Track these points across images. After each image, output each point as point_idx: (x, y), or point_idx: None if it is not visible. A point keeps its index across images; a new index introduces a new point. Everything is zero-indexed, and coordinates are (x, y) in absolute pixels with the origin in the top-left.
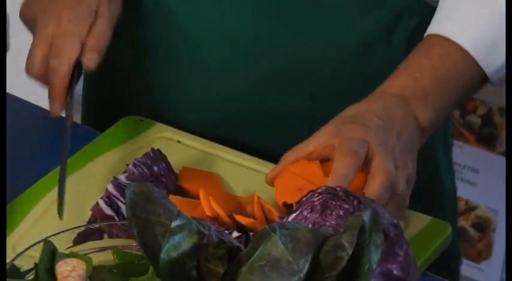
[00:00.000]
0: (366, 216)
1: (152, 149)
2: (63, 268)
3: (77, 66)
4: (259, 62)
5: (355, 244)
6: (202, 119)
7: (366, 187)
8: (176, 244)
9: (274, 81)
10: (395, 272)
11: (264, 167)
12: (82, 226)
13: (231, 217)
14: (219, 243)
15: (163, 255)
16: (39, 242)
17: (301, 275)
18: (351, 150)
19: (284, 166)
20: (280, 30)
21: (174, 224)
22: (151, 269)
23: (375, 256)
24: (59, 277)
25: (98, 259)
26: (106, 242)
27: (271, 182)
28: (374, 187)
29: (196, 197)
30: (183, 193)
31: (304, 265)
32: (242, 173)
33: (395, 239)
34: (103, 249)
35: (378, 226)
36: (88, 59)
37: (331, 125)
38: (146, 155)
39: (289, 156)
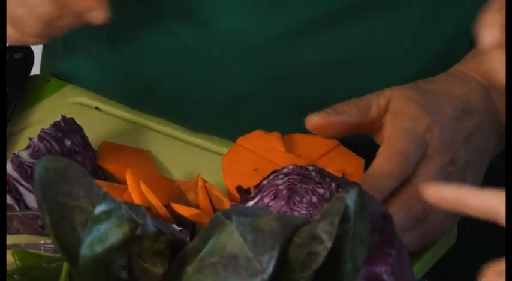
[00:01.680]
0: (350, 199)
1: (63, 117)
2: None
3: None
4: None
5: (335, 236)
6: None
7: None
8: (101, 236)
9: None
10: (384, 276)
11: (211, 142)
12: None
13: (168, 206)
14: (157, 235)
15: (84, 250)
16: None
17: (265, 276)
18: (403, 153)
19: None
20: None
21: (98, 209)
22: (63, 274)
23: (360, 251)
24: None
25: None
26: None
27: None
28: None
29: (122, 182)
30: (103, 175)
31: (269, 263)
32: (182, 151)
33: (385, 235)
34: None
35: (364, 213)
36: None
37: (402, 90)
38: (55, 125)
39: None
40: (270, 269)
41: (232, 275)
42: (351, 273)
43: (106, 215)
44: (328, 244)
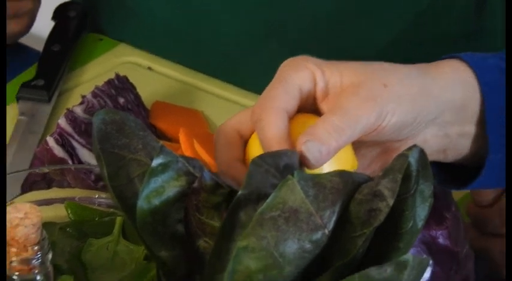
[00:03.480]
0: (413, 157)
1: (117, 75)
2: (12, 214)
3: None
4: None
5: (397, 194)
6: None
7: None
8: (158, 189)
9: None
10: (440, 240)
11: None
12: (21, 170)
13: None
14: (214, 188)
15: (141, 203)
16: None
17: (326, 231)
18: None
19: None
20: None
21: (155, 162)
22: (116, 228)
23: (421, 211)
24: (7, 226)
25: (44, 214)
26: (56, 192)
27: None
28: None
29: (174, 140)
30: (156, 134)
31: (330, 218)
32: (234, 111)
33: (442, 198)
34: (50, 202)
35: (427, 172)
36: None
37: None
38: (109, 82)
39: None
40: (331, 225)
41: (293, 230)
42: (411, 232)
43: (163, 167)
44: (390, 201)
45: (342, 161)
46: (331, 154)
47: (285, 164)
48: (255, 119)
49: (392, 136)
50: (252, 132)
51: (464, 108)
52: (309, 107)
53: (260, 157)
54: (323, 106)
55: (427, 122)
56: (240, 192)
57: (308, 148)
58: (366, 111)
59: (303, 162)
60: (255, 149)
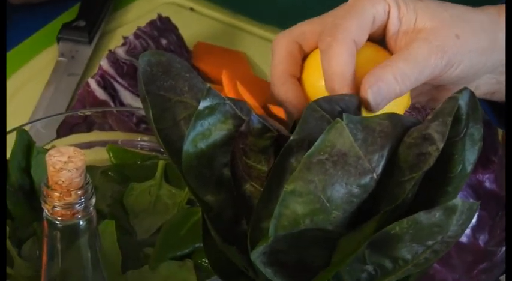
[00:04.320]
0: (463, 100)
1: (159, 16)
2: (56, 158)
3: None
4: None
5: (447, 138)
6: None
7: None
8: (205, 132)
9: None
10: (487, 184)
11: None
12: (63, 113)
13: (264, 108)
14: (262, 131)
15: (187, 146)
16: (10, 131)
17: (374, 175)
18: None
19: None
20: None
21: (202, 105)
22: (159, 171)
23: (470, 154)
24: (50, 169)
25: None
26: (97, 135)
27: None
28: None
29: (217, 82)
30: (198, 75)
31: (379, 162)
32: None
33: (488, 141)
34: (91, 145)
35: (477, 115)
36: None
37: None
38: (152, 23)
39: None
40: (379, 169)
41: (340, 173)
42: (460, 176)
43: (210, 110)
44: (440, 145)
45: (398, 101)
46: (393, 99)
47: (341, 110)
48: (323, 46)
49: (450, 82)
50: (313, 49)
51: None
52: (377, 37)
53: (316, 101)
54: (391, 42)
55: (486, 72)
56: (291, 137)
57: (373, 92)
58: (434, 62)
59: (364, 104)
60: (313, 71)
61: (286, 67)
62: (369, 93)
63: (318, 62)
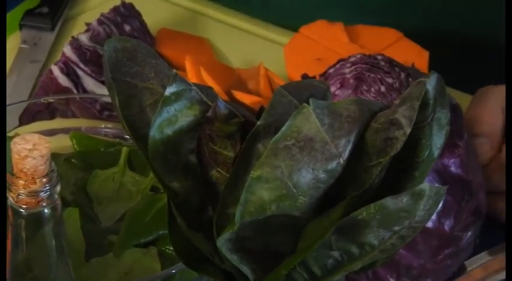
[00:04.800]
0: (430, 85)
1: (122, 2)
2: (20, 146)
3: None
4: None
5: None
6: None
7: None
8: (171, 118)
9: None
10: (452, 168)
11: (271, 31)
12: (26, 100)
13: (228, 93)
14: (228, 117)
15: (153, 133)
16: None
17: (341, 160)
18: None
19: None
20: None
21: (168, 91)
22: (122, 158)
23: (437, 139)
24: (15, 157)
25: None
26: (59, 123)
27: None
28: None
29: (180, 68)
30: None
31: (346, 147)
32: (241, 39)
33: (454, 126)
34: (54, 132)
35: (444, 100)
36: None
37: None
38: (115, 10)
39: None
40: (346, 154)
41: (307, 159)
42: (427, 161)
43: (176, 96)
44: (408, 130)
45: None
46: None
47: (309, 96)
48: None
49: None
50: None
51: None
52: None
53: (284, 86)
54: None
55: None
56: (258, 122)
57: None
58: None
59: None
60: None
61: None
62: None
63: None
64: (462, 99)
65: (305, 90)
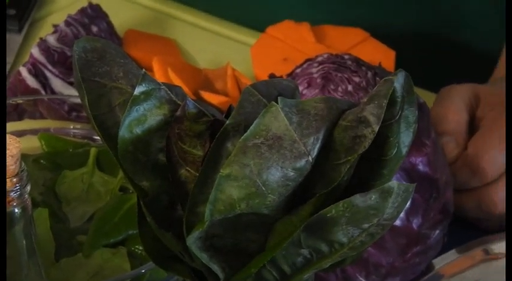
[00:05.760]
0: (398, 83)
1: (90, 3)
2: None
3: None
4: None
5: (382, 120)
6: None
7: None
8: (140, 117)
9: None
10: (420, 167)
11: (238, 32)
12: None
13: (196, 94)
14: (197, 116)
15: (123, 132)
16: None
17: (310, 158)
18: None
19: None
20: None
21: (137, 90)
22: (91, 159)
23: (405, 137)
24: None
25: None
26: (28, 124)
27: None
28: None
29: (148, 69)
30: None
31: (314, 146)
32: (208, 40)
33: (422, 124)
34: (23, 133)
35: (411, 98)
36: None
37: None
38: (82, 11)
39: None
40: (314, 152)
41: (276, 157)
42: (395, 159)
43: (145, 95)
44: (376, 127)
45: None
46: None
47: (278, 94)
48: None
49: None
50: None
51: None
52: None
53: (253, 85)
54: None
55: None
56: (228, 121)
57: None
58: None
59: None
60: None
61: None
62: None
63: None
64: (428, 98)
65: (274, 89)
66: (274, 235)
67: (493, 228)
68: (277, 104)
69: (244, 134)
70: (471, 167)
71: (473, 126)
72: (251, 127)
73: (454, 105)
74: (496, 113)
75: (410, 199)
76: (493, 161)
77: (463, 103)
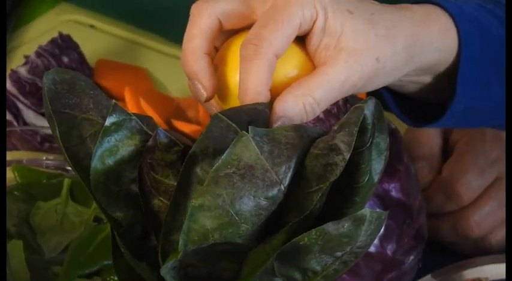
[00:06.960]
0: (368, 110)
1: (60, 34)
2: None
3: None
4: None
5: (353, 148)
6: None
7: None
8: (112, 148)
9: None
10: (393, 193)
11: None
12: None
13: (168, 123)
14: (169, 145)
15: (95, 163)
16: None
17: (282, 187)
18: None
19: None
20: None
21: (108, 121)
22: (64, 190)
23: (377, 164)
24: None
25: None
26: None
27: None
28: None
29: (119, 99)
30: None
31: (286, 174)
32: (179, 69)
33: (394, 150)
34: None
35: (382, 125)
36: None
37: None
38: (53, 42)
39: None
40: (286, 181)
41: (248, 186)
42: (368, 186)
43: (116, 126)
44: (347, 155)
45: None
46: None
47: (251, 120)
48: (244, 54)
49: None
50: (233, 30)
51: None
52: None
53: (222, 112)
54: (311, 48)
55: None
56: (194, 145)
57: (282, 122)
58: (349, 87)
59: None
60: (230, 64)
61: (202, 43)
62: (278, 123)
63: (237, 57)
64: (400, 123)
65: (245, 115)
66: (248, 263)
67: (469, 252)
68: (248, 133)
69: (216, 164)
70: (446, 191)
71: (447, 150)
72: (222, 157)
73: (426, 130)
74: (470, 137)
75: (383, 226)
76: (469, 184)
77: (436, 128)
